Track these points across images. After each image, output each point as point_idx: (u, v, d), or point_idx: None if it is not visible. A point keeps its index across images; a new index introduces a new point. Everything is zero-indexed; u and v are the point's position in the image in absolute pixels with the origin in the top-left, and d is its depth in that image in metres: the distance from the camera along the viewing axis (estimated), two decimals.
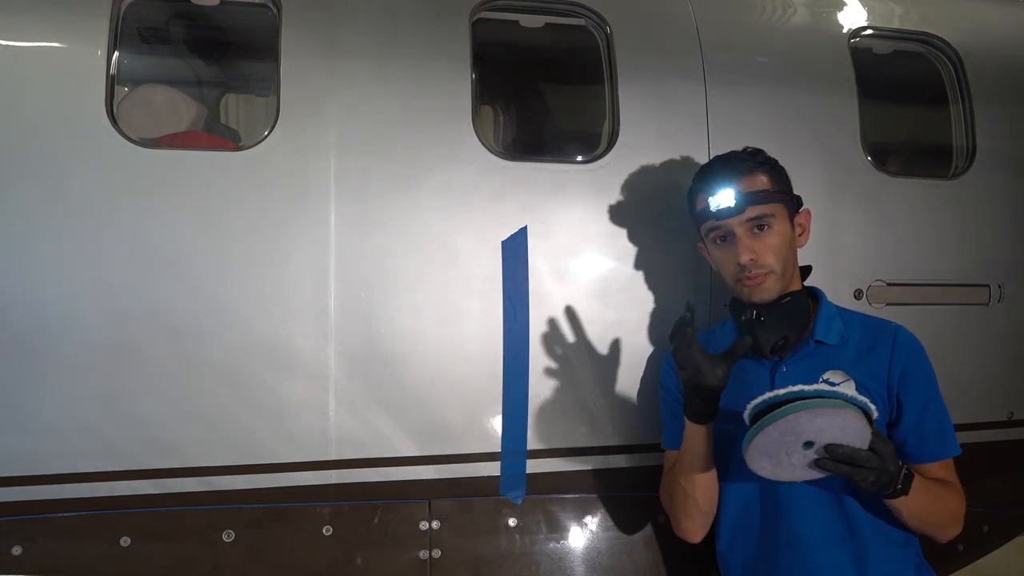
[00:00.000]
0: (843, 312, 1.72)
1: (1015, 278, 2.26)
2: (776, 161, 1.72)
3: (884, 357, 1.61)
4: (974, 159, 2.25)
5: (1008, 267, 2.25)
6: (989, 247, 2.24)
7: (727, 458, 1.66)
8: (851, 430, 1.33)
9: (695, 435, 1.62)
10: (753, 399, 1.41)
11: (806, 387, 1.35)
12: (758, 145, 1.75)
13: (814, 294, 1.75)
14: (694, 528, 1.73)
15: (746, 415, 1.41)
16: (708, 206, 1.66)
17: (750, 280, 1.63)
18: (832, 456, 1.36)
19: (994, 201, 2.25)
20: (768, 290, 1.64)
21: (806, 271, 1.79)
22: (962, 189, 2.23)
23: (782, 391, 1.36)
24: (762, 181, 1.66)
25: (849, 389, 1.57)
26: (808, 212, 1.73)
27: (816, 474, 1.40)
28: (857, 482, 1.40)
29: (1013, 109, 2.32)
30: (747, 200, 1.62)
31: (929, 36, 2.33)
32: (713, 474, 1.67)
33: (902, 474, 1.44)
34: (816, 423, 1.32)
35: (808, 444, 1.35)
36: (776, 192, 1.66)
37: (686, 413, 1.60)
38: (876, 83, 2.28)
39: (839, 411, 1.31)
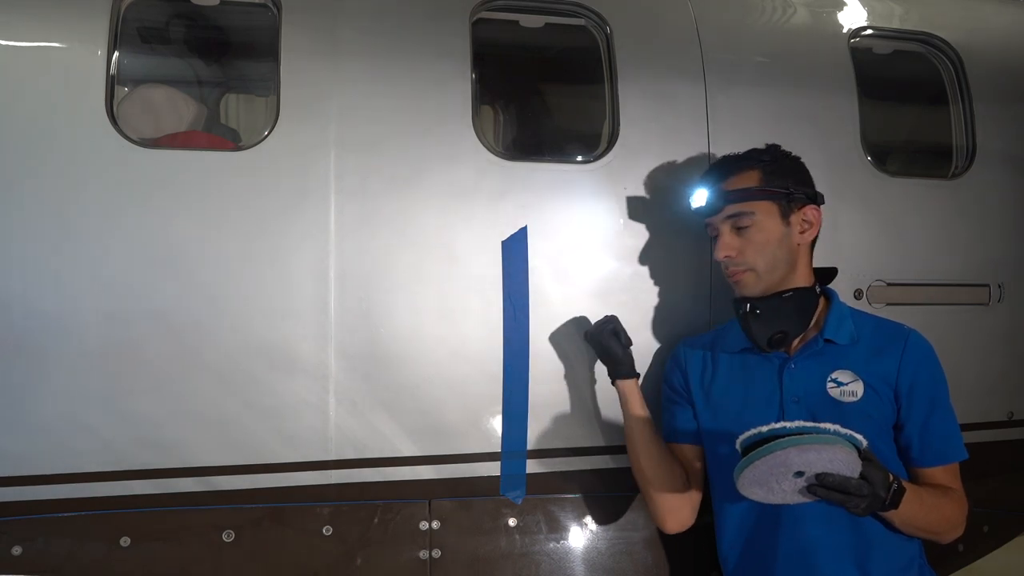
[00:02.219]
0: (856, 314, 1.72)
1: (1015, 278, 2.26)
2: (785, 158, 1.72)
3: (894, 359, 1.62)
4: (974, 159, 2.25)
5: (1008, 267, 2.25)
6: (989, 247, 2.24)
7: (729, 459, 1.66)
8: (840, 462, 1.34)
9: (629, 394, 1.80)
10: (749, 420, 1.45)
11: (788, 424, 1.36)
12: (758, 146, 1.75)
13: (827, 294, 1.74)
14: (660, 514, 1.76)
15: (738, 445, 1.42)
16: (692, 203, 1.76)
17: (731, 277, 1.71)
18: (823, 484, 1.35)
19: (994, 201, 2.25)
20: (748, 286, 1.68)
21: (830, 273, 1.80)
22: (962, 189, 2.23)
23: (765, 428, 1.37)
24: (750, 178, 1.68)
25: (859, 389, 1.58)
26: (816, 209, 1.71)
27: (808, 499, 1.40)
28: (848, 508, 1.39)
29: (1013, 109, 2.32)
30: (722, 199, 1.68)
31: (929, 36, 2.33)
32: (661, 448, 1.76)
33: (891, 491, 1.43)
34: (805, 457, 1.33)
35: (799, 473, 1.37)
36: (760, 190, 1.66)
37: (614, 375, 1.81)
38: (876, 83, 2.28)
39: (828, 447, 1.32)
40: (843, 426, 1.52)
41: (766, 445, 1.34)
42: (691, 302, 2.03)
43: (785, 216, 1.67)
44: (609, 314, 1.85)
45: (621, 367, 1.80)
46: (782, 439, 1.33)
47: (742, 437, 1.40)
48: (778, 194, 1.67)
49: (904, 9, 2.36)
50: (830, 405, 1.61)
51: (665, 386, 1.88)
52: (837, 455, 1.32)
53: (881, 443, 1.60)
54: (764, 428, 1.36)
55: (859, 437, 1.37)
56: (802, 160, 1.76)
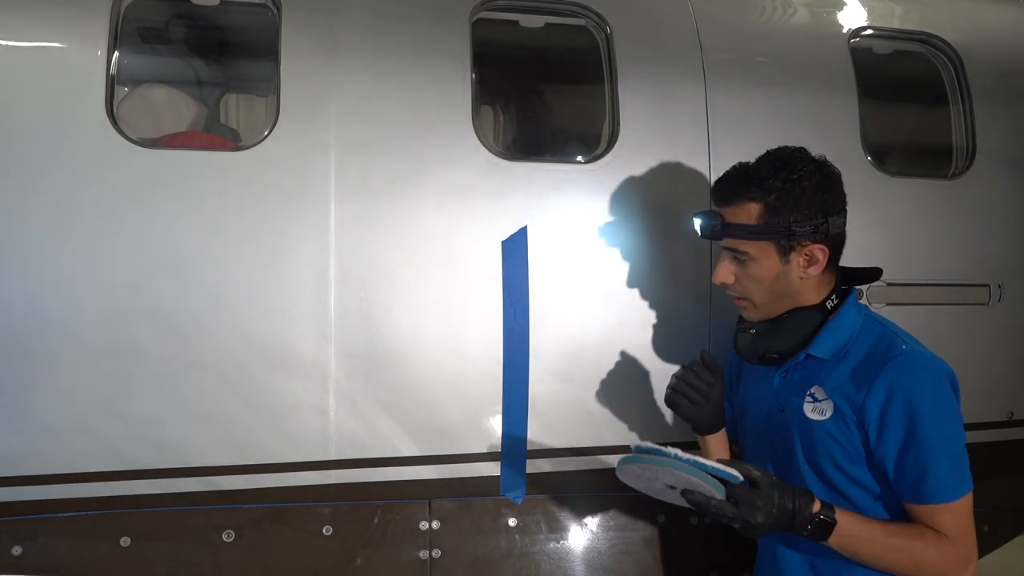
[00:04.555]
0: (868, 326, 1.58)
1: (1015, 278, 2.25)
2: (797, 183, 1.52)
3: (865, 384, 1.49)
4: (974, 159, 2.25)
5: (1008, 267, 2.25)
6: (989, 247, 2.24)
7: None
8: (690, 483, 1.36)
9: (709, 445, 1.72)
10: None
11: (641, 443, 1.42)
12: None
13: (841, 299, 1.62)
14: None
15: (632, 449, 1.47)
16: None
17: (735, 300, 1.66)
18: (687, 500, 1.36)
19: (994, 201, 2.25)
20: (747, 313, 1.64)
21: (872, 273, 1.68)
22: (962, 189, 2.23)
23: (645, 444, 1.42)
24: (751, 213, 1.54)
25: (828, 408, 1.54)
26: (822, 248, 1.54)
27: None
28: (737, 530, 1.37)
29: (1013, 109, 2.32)
30: (718, 232, 1.59)
31: (929, 36, 2.33)
32: None
33: (813, 521, 1.38)
34: (652, 472, 1.40)
35: (671, 486, 1.41)
36: (756, 231, 1.53)
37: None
38: (876, 83, 2.28)
39: (656, 467, 1.37)
40: (810, 443, 1.55)
41: (627, 455, 1.43)
42: (691, 301, 2.03)
43: (784, 254, 1.54)
44: (678, 371, 1.72)
45: (698, 424, 1.74)
46: (635, 455, 1.41)
47: (637, 444, 1.45)
48: (776, 234, 1.53)
49: (904, 9, 2.36)
50: (802, 420, 1.57)
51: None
52: (676, 475, 1.36)
53: (853, 466, 1.52)
54: (644, 444, 1.42)
55: (712, 465, 1.36)
56: (830, 171, 1.58)
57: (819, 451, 1.54)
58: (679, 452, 1.38)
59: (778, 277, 1.56)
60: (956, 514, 1.43)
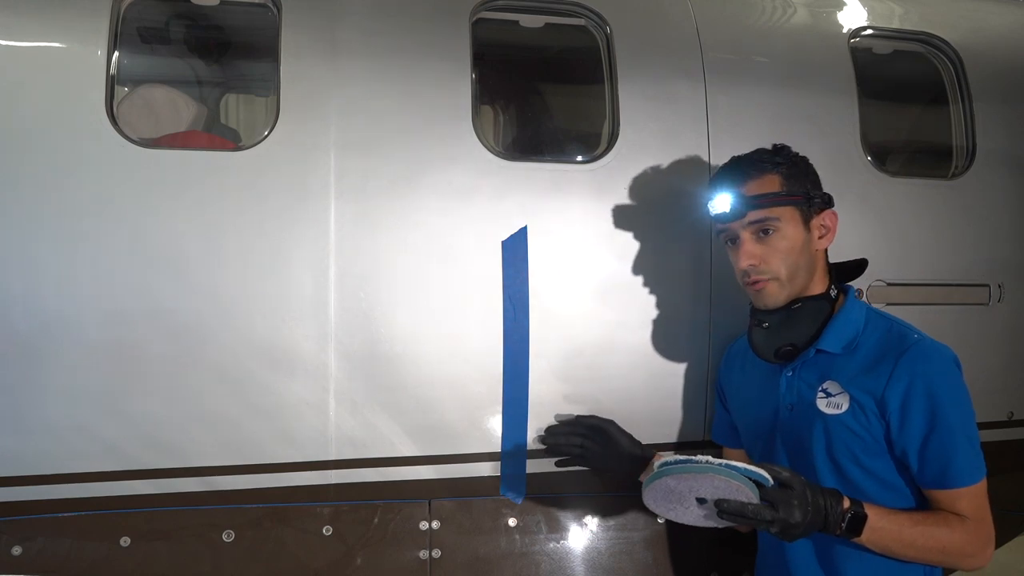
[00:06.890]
0: (874, 319, 1.62)
1: (1015, 278, 2.25)
2: (800, 160, 1.66)
3: (884, 373, 1.51)
4: (974, 159, 2.25)
5: (1008, 267, 2.25)
6: (989, 247, 2.24)
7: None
8: (728, 488, 1.35)
9: None
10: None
11: (669, 458, 1.41)
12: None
13: (843, 294, 1.67)
14: None
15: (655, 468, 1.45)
16: (711, 209, 1.67)
17: (753, 285, 1.63)
18: (721, 510, 1.36)
19: (994, 201, 2.25)
20: (772, 296, 1.61)
21: (860, 265, 1.75)
22: (962, 189, 2.23)
23: (659, 462, 1.42)
24: (771, 183, 1.60)
25: (844, 401, 1.55)
26: (833, 214, 1.65)
27: (724, 523, 1.41)
28: (773, 534, 1.38)
29: (1013, 109, 2.32)
30: (747, 204, 1.60)
31: (929, 36, 2.33)
32: None
33: (846, 517, 1.40)
34: (687, 484, 1.38)
35: (702, 501, 1.39)
36: (784, 196, 1.59)
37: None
38: (876, 83, 2.28)
39: (700, 475, 1.36)
40: (828, 438, 1.55)
41: (651, 475, 1.41)
42: (691, 302, 2.03)
43: (806, 222, 1.61)
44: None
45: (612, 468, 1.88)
46: (661, 469, 1.39)
47: (657, 463, 1.43)
48: (799, 199, 1.60)
49: (904, 9, 2.36)
50: (817, 415, 1.57)
51: (716, 389, 1.93)
52: (716, 482, 1.34)
53: (872, 459, 1.54)
54: (659, 462, 1.42)
55: (761, 472, 1.37)
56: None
57: (837, 446, 1.55)
58: (710, 458, 1.37)
59: (803, 248, 1.61)
60: (976, 496, 1.50)
